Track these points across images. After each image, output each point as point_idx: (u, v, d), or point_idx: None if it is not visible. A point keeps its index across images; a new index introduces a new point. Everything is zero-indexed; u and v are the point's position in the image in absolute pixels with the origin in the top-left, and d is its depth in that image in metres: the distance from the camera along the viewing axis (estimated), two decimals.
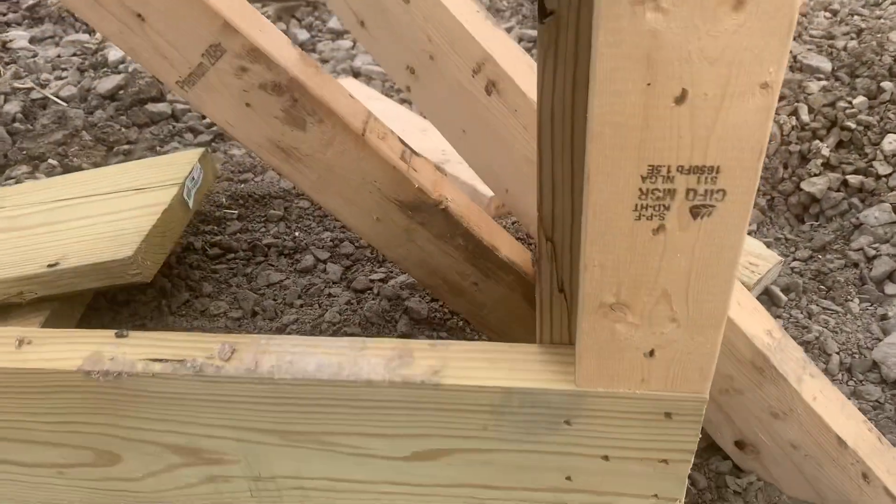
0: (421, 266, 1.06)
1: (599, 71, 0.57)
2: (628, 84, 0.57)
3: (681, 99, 0.58)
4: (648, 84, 0.57)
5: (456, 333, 1.27)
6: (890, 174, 1.51)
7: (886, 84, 1.62)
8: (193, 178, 1.38)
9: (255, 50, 0.87)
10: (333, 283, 1.36)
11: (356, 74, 1.96)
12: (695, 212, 0.65)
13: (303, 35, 2.12)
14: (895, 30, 1.78)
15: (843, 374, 1.28)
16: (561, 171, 0.69)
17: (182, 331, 1.32)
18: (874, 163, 1.52)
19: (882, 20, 1.89)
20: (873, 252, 1.42)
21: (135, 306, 1.38)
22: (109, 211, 1.38)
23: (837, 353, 1.29)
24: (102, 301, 1.41)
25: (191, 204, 1.35)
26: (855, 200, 1.51)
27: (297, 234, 1.48)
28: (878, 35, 1.76)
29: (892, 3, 2.09)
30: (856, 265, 1.43)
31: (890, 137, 1.51)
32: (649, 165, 0.62)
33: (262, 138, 0.94)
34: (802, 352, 1.05)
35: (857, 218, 1.48)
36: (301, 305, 1.33)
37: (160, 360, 0.87)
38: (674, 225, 0.66)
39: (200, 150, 1.45)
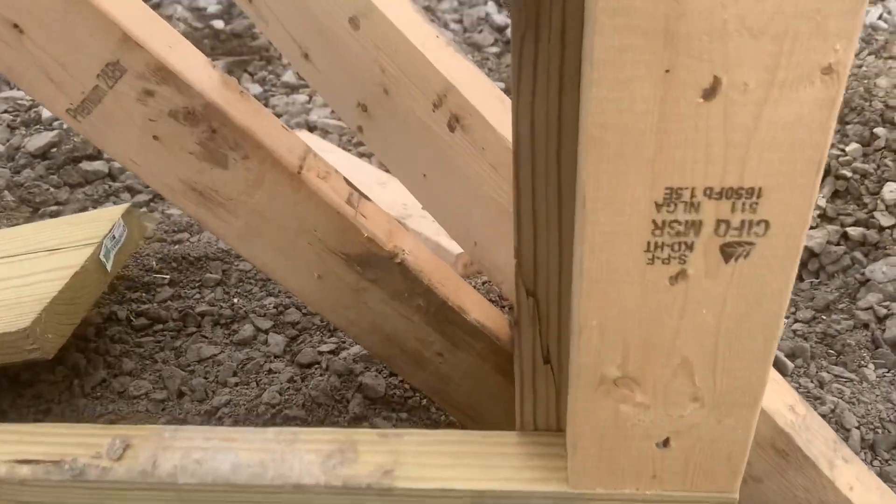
0: (374, 332, 0.88)
1: (598, 50, 0.41)
2: (639, 69, 0.41)
3: (711, 91, 0.42)
4: (667, 70, 0.41)
5: (418, 413, 1.08)
6: (894, 226, 1.38)
7: (879, 130, 1.50)
8: (114, 238, 1.19)
9: (163, 69, 0.71)
10: (275, 356, 1.17)
11: (312, 129, 1.81)
12: (728, 251, 0.48)
13: (255, 89, 1.97)
14: (881, 76, 1.68)
15: (865, 453, 1.11)
16: (545, 199, 0.53)
17: (94, 417, 1.11)
18: (875, 213, 1.39)
19: (864, 68, 1.80)
20: (884, 311, 1.27)
21: (40, 387, 1.17)
22: (16, 275, 1.18)
23: (857, 428, 1.13)
24: (3, 381, 1.19)
25: (109, 266, 1.16)
26: (858, 255, 1.37)
27: (235, 300, 1.29)
28: (865, 81, 1.67)
29: (869, 54, 2.02)
30: (866, 326, 1.28)
31: (890, 186, 1.39)
32: (667, 188, 0.46)
33: (173, 179, 0.77)
34: (831, 430, 0.88)
35: (863, 274, 1.34)
36: (236, 384, 1.13)
37: (29, 462, 0.67)
38: (699, 270, 0.49)
39: (125, 205, 1.27)
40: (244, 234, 0.80)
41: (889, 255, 1.34)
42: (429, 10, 2.22)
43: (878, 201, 1.39)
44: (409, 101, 0.93)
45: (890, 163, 1.45)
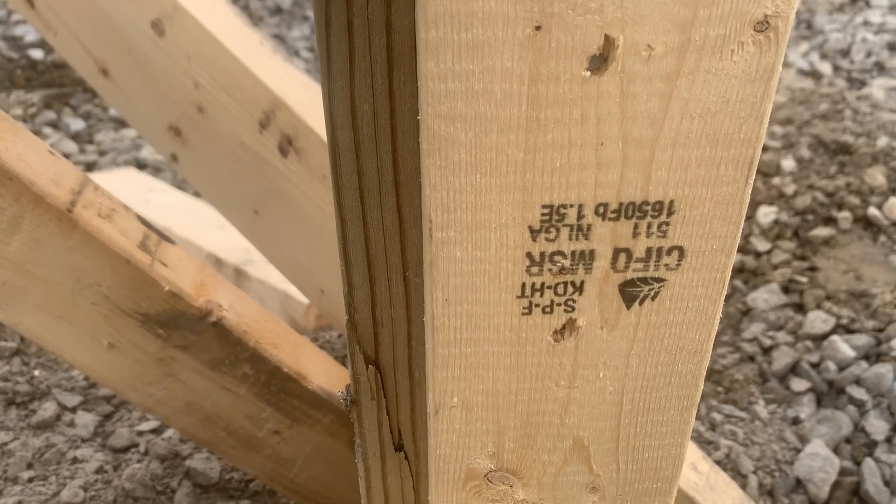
0: (189, 412, 0.69)
1: (432, 3, 0.27)
2: (496, 27, 0.28)
3: (602, 60, 0.29)
4: (537, 27, 0.28)
5: (262, 500, 0.89)
6: (770, 250, 1.33)
7: None
8: None
9: None
10: (83, 440, 0.95)
11: (142, 166, 1.59)
12: (630, 292, 0.35)
13: (77, 124, 1.73)
14: None
15: (764, 500, 1.02)
16: (380, 227, 0.38)
17: None
18: (751, 239, 1.34)
19: None
20: (769, 342, 1.21)
21: None
22: None
23: (754, 473, 1.04)
24: None
25: None
26: (737, 282, 1.31)
27: (36, 372, 1.06)
28: None
29: None
30: (752, 359, 1.21)
31: (764, 209, 1.34)
32: (545, 206, 0.32)
33: None
34: (737, 487, 0.77)
35: (744, 303, 1.27)
36: (30, 479, 0.90)
37: None
38: (592, 320, 0.35)
39: None
40: (2, 296, 0.61)
41: (769, 281, 1.28)
42: (278, 38, 2.06)
43: (753, 226, 1.34)
44: (230, 121, 0.76)
45: (760, 185, 1.41)
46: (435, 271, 0.34)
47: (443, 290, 0.34)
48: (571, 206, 0.32)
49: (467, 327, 0.35)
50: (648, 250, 0.34)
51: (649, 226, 0.33)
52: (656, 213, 0.33)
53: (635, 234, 0.33)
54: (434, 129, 0.30)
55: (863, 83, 2.03)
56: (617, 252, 0.33)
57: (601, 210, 0.32)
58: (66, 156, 1.63)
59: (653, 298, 0.35)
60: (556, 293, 0.34)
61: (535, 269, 0.34)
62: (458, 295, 0.34)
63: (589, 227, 0.33)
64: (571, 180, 0.31)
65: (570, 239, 0.33)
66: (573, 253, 0.33)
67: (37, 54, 1.94)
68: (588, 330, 0.36)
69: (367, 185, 0.37)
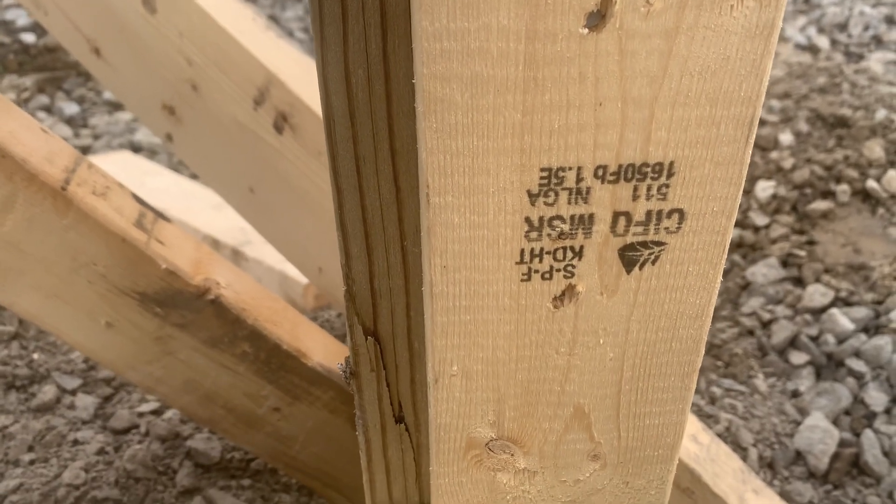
0: (189, 391, 0.69)
1: None
2: None
3: (600, 17, 0.28)
4: None
5: (264, 479, 0.89)
6: (769, 224, 1.33)
7: None
8: None
9: None
10: (83, 422, 0.95)
11: (137, 149, 1.58)
12: (630, 257, 0.34)
13: (71, 108, 1.72)
14: None
15: (764, 472, 1.02)
16: (377, 195, 0.37)
17: None
18: (749, 213, 1.33)
19: None
20: (768, 316, 1.21)
21: None
22: None
23: (754, 446, 1.04)
24: None
25: None
26: (736, 257, 1.31)
27: (35, 356, 1.06)
28: None
29: None
30: (751, 333, 1.21)
31: (762, 184, 1.34)
32: (543, 169, 0.32)
33: None
34: (737, 458, 0.77)
35: (743, 277, 1.27)
36: (31, 462, 0.90)
37: None
38: (592, 285, 0.35)
39: None
40: None
41: (767, 255, 1.28)
42: (272, 19, 2.05)
43: (751, 200, 1.34)
44: (224, 98, 0.76)
45: (758, 159, 1.40)
46: (433, 237, 0.33)
47: (441, 257, 0.34)
48: (570, 168, 0.32)
49: (466, 294, 0.35)
50: (648, 213, 0.33)
51: (649, 188, 0.33)
52: (656, 175, 0.32)
53: (635, 197, 0.33)
54: (430, 91, 0.29)
55: (861, 57, 2.01)
56: (616, 216, 0.33)
57: (600, 172, 0.32)
58: None
59: (653, 262, 0.35)
60: (555, 259, 0.34)
61: (533, 235, 0.33)
62: (456, 261, 0.34)
63: (588, 191, 0.32)
64: (570, 142, 0.31)
65: (569, 203, 0.33)
66: (572, 217, 0.33)
67: (29, 38, 1.92)
68: (588, 296, 0.35)
69: (363, 153, 0.37)
